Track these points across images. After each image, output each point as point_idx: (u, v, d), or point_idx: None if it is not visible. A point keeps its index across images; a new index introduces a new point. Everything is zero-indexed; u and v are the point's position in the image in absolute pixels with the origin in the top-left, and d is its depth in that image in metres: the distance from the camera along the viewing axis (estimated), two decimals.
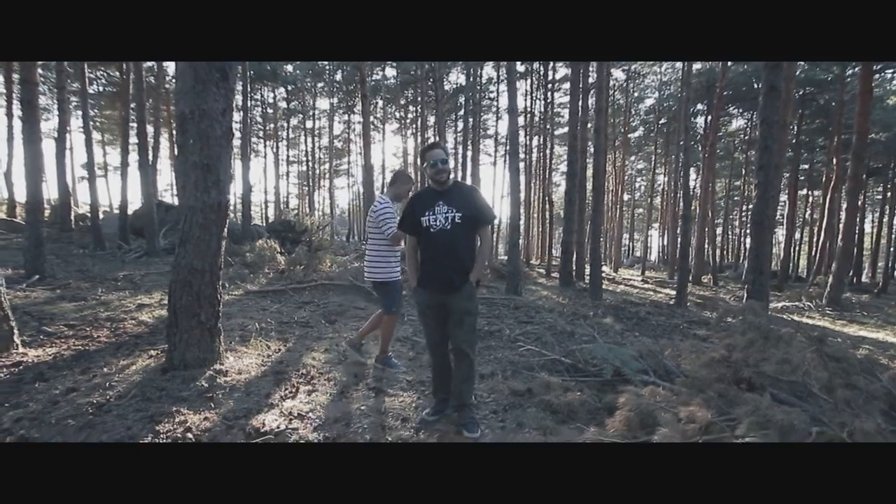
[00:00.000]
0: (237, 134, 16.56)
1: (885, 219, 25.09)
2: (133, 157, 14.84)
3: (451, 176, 2.64)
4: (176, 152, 3.62)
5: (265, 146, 32.86)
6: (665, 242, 30.14)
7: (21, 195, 15.76)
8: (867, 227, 27.71)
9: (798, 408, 2.53)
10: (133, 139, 15.13)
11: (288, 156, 35.94)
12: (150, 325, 4.62)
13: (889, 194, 24.89)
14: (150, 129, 15.15)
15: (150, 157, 12.74)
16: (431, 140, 23.53)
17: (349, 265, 10.45)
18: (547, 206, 24.30)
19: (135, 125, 13.82)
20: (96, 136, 26.59)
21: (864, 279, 24.90)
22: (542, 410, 2.95)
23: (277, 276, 8.26)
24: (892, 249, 22.75)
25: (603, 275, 10.69)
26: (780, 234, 23.97)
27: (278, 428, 2.44)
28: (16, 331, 3.52)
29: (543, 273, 16.76)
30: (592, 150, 14.39)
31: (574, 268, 12.03)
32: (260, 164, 33.54)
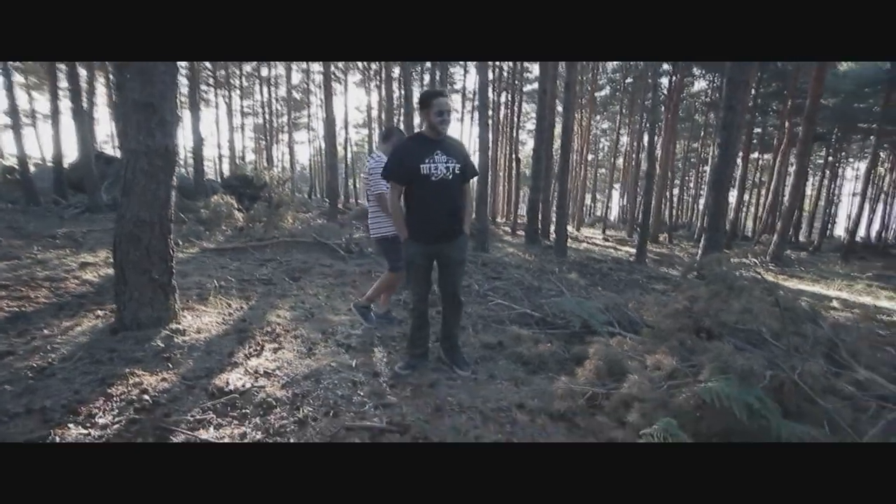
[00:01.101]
0: (184, 81, 15.20)
1: (825, 182, 26.77)
2: (65, 104, 13.39)
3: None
4: (115, 98, 3.21)
5: (216, 95, 30.45)
6: (625, 202, 31.03)
7: None
8: (807, 190, 29.53)
9: (755, 354, 2.66)
10: (63, 83, 13.59)
11: (242, 106, 33.55)
12: (95, 285, 4.28)
13: (830, 158, 26.44)
14: (82, 71, 13.61)
15: (85, 104, 11.50)
16: (398, 92, 22.49)
17: (312, 222, 10.09)
18: (514, 164, 24.21)
19: (64, 67, 12.35)
20: (19, 78, 23.71)
21: (801, 238, 26.77)
22: (513, 362, 2.99)
23: (236, 233, 7.86)
24: (828, 211, 24.46)
25: (567, 233, 10.87)
26: (731, 195, 25.18)
27: (243, 387, 2.33)
28: None
29: (509, 231, 16.90)
30: (561, 107, 14.24)
31: (540, 226, 12.15)
32: (211, 114, 31.11)
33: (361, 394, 2.33)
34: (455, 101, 30.03)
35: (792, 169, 15.83)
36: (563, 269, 7.18)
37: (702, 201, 25.78)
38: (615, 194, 41.23)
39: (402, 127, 10.49)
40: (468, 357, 2.91)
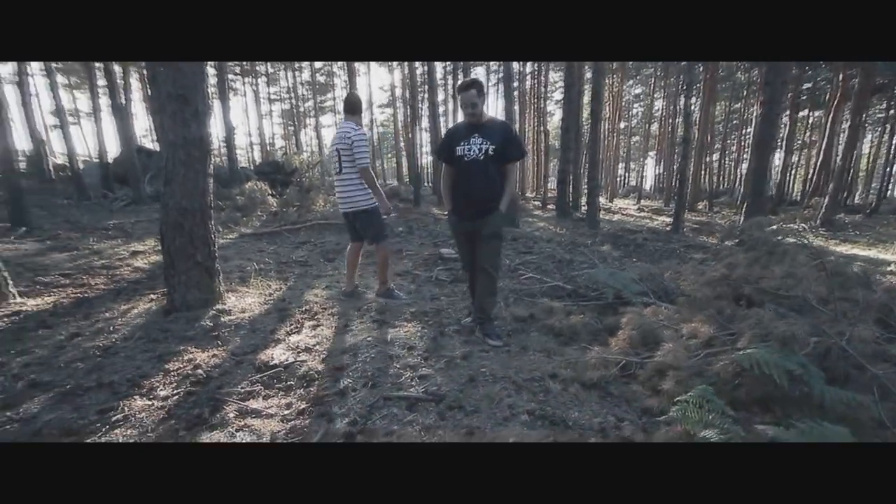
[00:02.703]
0: (212, 71, 15.54)
1: (885, 138, 24.66)
2: (104, 101, 14.00)
3: (487, 113, 2.77)
4: (149, 92, 3.36)
5: (243, 83, 31.03)
6: (661, 170, 29.77)
7: None
8: (864, 148, 27.32)
9: (799, 320, 2.56)
10: (101, 80, 14.18)
11: (269, 93, 34.09)
12: (146, 271, 4.57)
13: (892, 112, 24.26)
14: (116, 68, 14.14)
15: (122, 100, 12.00)
16: (419, 72, 22.10)
17: None
18: (542, 136, 23.61)
19: (100, 65, 12.86)
20: (61, 79, 24.90)
21: (856, 200, 24.98)
22: (545, 334, 3.00)
23: (271, 217, 8.12)
24: (888, 169, 22.60)
25: (599, 205, 10.59)
26: (777, 157, 23.67)
27: (286, 361, 2.46)
28: (9, 281, 3.46)
29: (539, 205, 16.64)
30: (590, 73, 13.67)
31: (570, 198, 11.90)
32: (240, 103, 31.88)
33: (397, 366, 2.41)
34: (479, 73, 29.35)
35: (846, 125, 14.69)
36: (595, 242, 7.05)
37: (744, 166, 24.41)
38: (650, 162, 39.64)
39: (427, 104, 10.38)
40: (500, 330, 2.95)
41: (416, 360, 2.49)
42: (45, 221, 7.64)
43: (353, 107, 3.43)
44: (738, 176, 28.80)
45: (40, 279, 4.14)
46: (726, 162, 33.01)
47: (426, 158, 29.92)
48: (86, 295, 3.72)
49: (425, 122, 21.98)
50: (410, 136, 21.08)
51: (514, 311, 3.38)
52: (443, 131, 17.99)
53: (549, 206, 15.55)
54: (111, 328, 2.92)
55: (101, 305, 3.42)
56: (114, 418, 1.91)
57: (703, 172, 23.05)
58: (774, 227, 3.16)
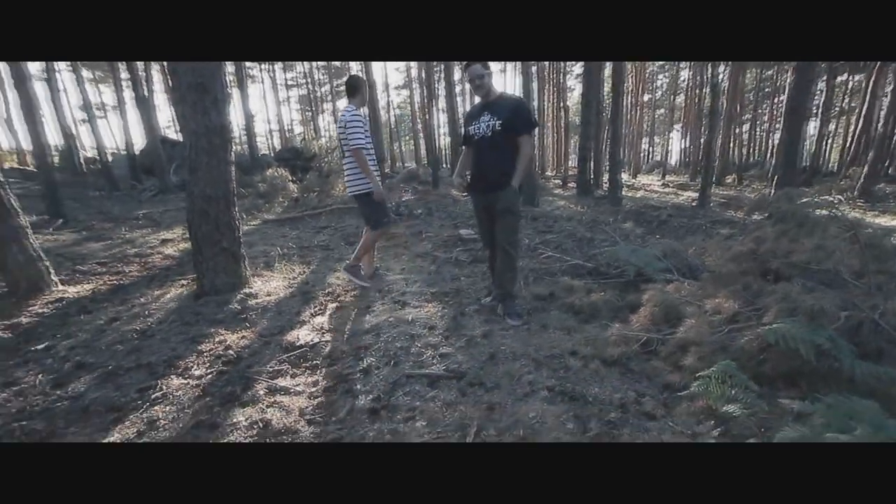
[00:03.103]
0: None
1: None
2: (128, 93, 14.32)
3: (496, 89, 2.77)
4: (170, 83, 3.43)
5: (260, 70, 31.17)
6: (687, 144, 28.74)
7: (26, 142, 15.66)
8: None
9: (829, 294, 2.48)
10: (124, 73, 14.48)
11: (286, 79, 34.19)
12: (176, 258, 4.74)
13: None
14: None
15: (145, 91, 12.26)
16: None
17: None
18: (562, 113, 23.04)
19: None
20: (86, 73, 25.54)
21: None
22: (565, 312, 3.00)
23: (292, 203, 8.25)
24: None
25: (622, 181, 10.34)
26: (812, 126, 22.47)
27: (312, 341, 2.55)
28: (51, 270, 3.65)
29: (559, 184, 16.36)
30: None
31: (592, 176, 11.65)
32: (258, 90, 32.22)
33: (419, 345, 2.46)
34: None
35: (888, 90, 13.81)
36: (617, 219, 6.93)
37: (777, 137, 23.30)
38: (675, 136, 38.25)
39: (444, 83, 10.23)
40: (521, 308, 2.96)
41: (437, 339, 2.54)
42: (79, 213, 7.97)
43: (352, 89, 3.35)
44: (770, 147, 27.50)
45: (79, 268, 4.36)
46: (757, 133, 31.56)
47: (444, 140, 29.65)
48: (121, 282, 3.90)
49: (442, 102, 21.74)
50: (427, 117, 20.89)
51: (534, 289, 3.38)
52: (460, 110, 17.77)
53: (569, 185, 15.28)
54: (146, 312, 3.06)
55: (135, 291, 3.58)
56: (153, 396, 2.03)
57: (731, 145, 22.11)
58: (806, 198, 3.04)
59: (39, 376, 2.28)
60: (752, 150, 30.70)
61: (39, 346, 2.62)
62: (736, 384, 1.89)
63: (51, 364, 2.41)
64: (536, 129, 2.95)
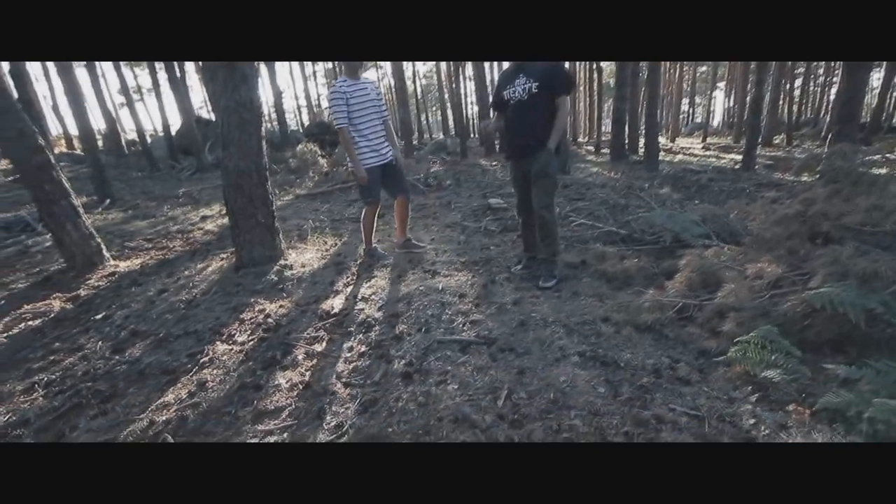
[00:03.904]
0: None
1: None
2: (162, 75, 14.68)
3: None
4: (201, 63, 3.48)
5: None
6: (731, 103, 26.94)
7: (71, 128, 16.46)
8: None
9: (884, 256, 2.32)
10: None
11: None
12: (215, 233, 4.94)
13: None
14: None
15: (178, 73, 12.53)
16: None
17: None
18: (595, 75, 22.00)
19: None
20: None
21: None
22: (597, 279, 2.96)
23: (322, 178, 8.37)
24: None
25: (659, 145, 9.85)
26: (875, 77, 20.48)
27: (346, 309, 2.63)
28: (104, 246, 3.89)
29: (592, 150, 15.79)
30: None
31: (627, 140, 11.15)
32: (285, 67, 32.14)
33: (449, 313, 2.50)
34: None
35: None
36: (653, 185, 6.65)
37: (834, 91, 21.47)
38: (719, 95, 35.94)
39: None
40: (557, 272, 2.93)
41: (468, 307, 2.56)
42: (125, 193, 8.39)
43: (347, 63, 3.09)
44: (826, 103, 25.41)
45: (127, 244, 4.62)
46: (811, 88, 29.15)
47: (472, 109, 28.97)
48: (167, 256, 4.11)
49: (470, 70, 21.14)
50: (454, 86, 20.41)
51: (566, 257, 3.33)
52: (488, 77, 17.24)
53: (602, 151, 14.73)
54: (191, 284, 3.23)
55: (180, 265, 3.78)
56: (201, 360, 2.16)
57: (781, 102, 20.52)
58: (863, 156, 2.81)
59: (100, 343, 2.47)
60: (804, 106, 28.45)
61: (98, 316, 2.82)
62: (777, 350, 1.83)
63: (109, 332, 2.60)
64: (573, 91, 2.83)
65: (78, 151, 15.09)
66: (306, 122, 28.42)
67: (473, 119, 28.69)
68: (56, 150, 15.79)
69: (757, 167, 8.99)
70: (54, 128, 21.12)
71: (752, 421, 1.58)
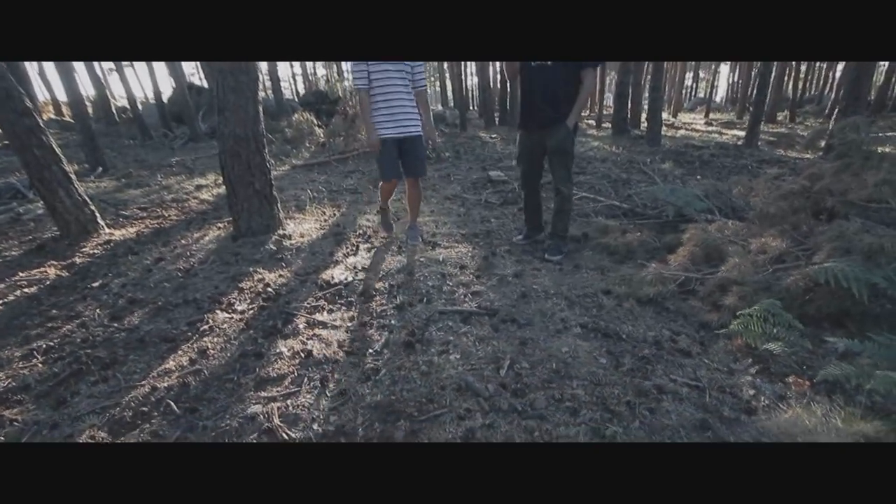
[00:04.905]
0: None
1: None
2: None
3: None
4: None
5: None
6: (736, 78, 26.44)
7: (59, 94, 15.95)
8: None
9: (891, 232, 2.31)
10: None
11: None
12: (211, 203, 4.86)
13: None
14: None
15: None
16: None
17: None
18: None
19: None
20: None
21: None
22: (598, 253, 2.94)
23: (319, 148, 8.21)
24: None
25: (662, 120, 9.67)
26: None
27: (346, 280, 2.61)
28: (97, 214, 3.81)
29: (594, 124, 15.56)
30: None
31: (629, 114, 10.96)
32: None
33: (450, 284, 2.48)
34: None
35: None
36: (655, 160, 6.57)
37: (840, 67, 21.06)
38: (723, 70, 35.27)
39: None
40: (564, 248, 2.93)
41: (469, 278, 2.55)
42: (117, 161, 8.21)
43: None
44: (830, 80, 24.97)
45: (122, 213, 4.54)
46: (817, 64, 28.56)
47: (472, 80, 28.27)
48: (162, 225, 4.05)
49: None
50: None
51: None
52: None
53: (604, 125, 14.51)
54: (188, 253, 3.19)
55: (176, 234, 3.72)
56: (201, 328, 2.15)
57: (786, 78, 20.12)
58: (877, 129, 2.76)
59: (97, 311, 2.44)
60: (808, 83, 27.98)
61: (94, 284, 2.79)
62: (779, 323, 1.83)
63: (106, 300, 2.57)
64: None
65: (67, 118, 14.70)
66: (302, 92, 27.72)
67: (473, 91, 28.05)
68: (44, 117, 15.38)
69: (760, 143, 8.89)
70: (41, 94, 20.48)
71: (751, 392, 1.60)
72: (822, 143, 5.30)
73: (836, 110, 6.21)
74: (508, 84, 13.04)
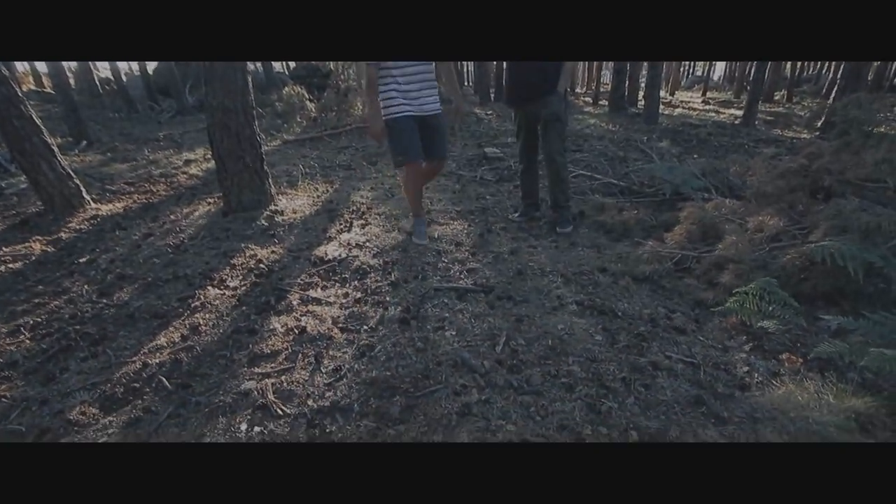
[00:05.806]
0: None
1: None
2: None
3: None
4: None
5: None
6: None
7: (39, 65, 15.37)
8: None
9: (888, 212, 2.30)
10: None
11: None
12: (200, 178, 4.75)
13: None
14: None
15: None
16: None
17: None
18: None
19: None
20: None
21: None
22: (595, 230, 2.93)
23: (311, 123, 8.01)
24: None
25: (658, 97, 9.53)
26: None
27: (340, 256, 2.57)
28: (83, 188, 3.71)
29: (590, 101, 15.34)
30: None
31: (626, 92, 10.79)
32: None
33: (446, 261, 2.46)
34: None
35: None
36: (652, 138, 6.51)
37: None
38: None
39: None
40: (571, 217, 2.98)
41: (464, 255, 2.52)
42: (102, 134, 7.97)
43: None
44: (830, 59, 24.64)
45: (108, 187, 4.43)
46: None
47: None
48: (150, 200, 3.96)
49: None
50: None
51: None
52: None
53: (601, 102, 14.30)
54: (178, 229, 3.12)
55: (165, 209, 3.64)
56: (193, 304, 2.11)
57: None
58: (880, 109, 2.73)
59: (85, 286, 2.39)
60: (806, 63, 27.67)
61: (82, 260, 2.73)
62: (774, 301, 1.83)
63: (94, 275, 2.52)
64: None
65: (48, 90, 14.18)
66: (292, 65, 26.92)
67: (468, 65, 27.43)
68: (24, 88, 14.83)
69: (757, 123, 8.83)
70: (19, 64, 19.70)
71: (745, 368, 1.61)
72: (819, 123, 5.27)
73: (835, 89, 6.15)
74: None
